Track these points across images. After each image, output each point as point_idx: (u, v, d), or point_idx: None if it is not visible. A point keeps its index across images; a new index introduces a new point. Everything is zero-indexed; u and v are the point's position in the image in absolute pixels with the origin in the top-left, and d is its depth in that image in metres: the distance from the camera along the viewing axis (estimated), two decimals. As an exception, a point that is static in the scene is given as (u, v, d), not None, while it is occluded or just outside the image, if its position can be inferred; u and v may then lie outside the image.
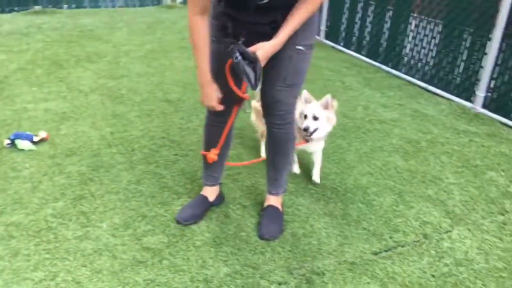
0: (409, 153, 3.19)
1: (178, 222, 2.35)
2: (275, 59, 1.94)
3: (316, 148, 2.71)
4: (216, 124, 2.26)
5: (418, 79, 4.50)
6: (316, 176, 2.75)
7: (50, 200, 2.50)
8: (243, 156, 3.01)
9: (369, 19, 5.09)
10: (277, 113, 2.16)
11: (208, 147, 2.33)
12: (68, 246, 2.18)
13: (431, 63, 4.39)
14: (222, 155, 2.36)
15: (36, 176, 2.70)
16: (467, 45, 4.00)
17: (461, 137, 3.46)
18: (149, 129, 3.32)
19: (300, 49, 2.00)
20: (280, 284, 2.03)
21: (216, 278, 2.04)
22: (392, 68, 4.81)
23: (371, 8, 5.04)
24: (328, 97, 2.57)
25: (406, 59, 4.70)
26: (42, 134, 3.09)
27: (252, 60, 1.84)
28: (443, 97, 4.21)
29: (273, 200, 2.41)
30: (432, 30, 4.34)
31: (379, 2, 4.92)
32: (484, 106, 3.89)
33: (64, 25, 5.98)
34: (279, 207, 2.42)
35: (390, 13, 4.79)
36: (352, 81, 4.54)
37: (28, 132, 3.08)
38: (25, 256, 2.11)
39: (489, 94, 3.86)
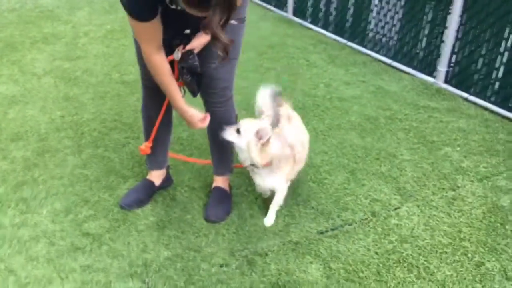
0: (366, 130, 3.15)
1: (122, 207, 2.30)
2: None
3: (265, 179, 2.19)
4: (155, 108, 2.19)
5: (383, 55, 4.44)
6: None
7: (-10, 187, 2.41)
8: (195, 144, 2.94)
9: (334, -6, 4.99)
10: (215, 92, 2.10)
11: (147, 133, 2.27)
12: (4, 233, 2.12)
13: (395, 38, 4.34)
14: (163, 141, 2.30)
15: (-23, 163, 2.60)
16: (429, 19, 3.94)
17: (420, 112, 3.44)
18: (102, 112, 3.22)
19: (232, 23, 1.92)
20: (221, 266, 2.01)
21: (156, 262, 2.00)
22: (358, 44, 4.73)
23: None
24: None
25: (370, 35, 4.63)
26: (-13, 118, 2.98)
27: (197, 73, 1.84)
28: (407, 73, 4.17)
29: (220, 181, 2.36)
30: (395, 4, 4.27)
31: (344, -24, 4.81)
32: (446, 81, 3.86)
33: (23, 6, 5.76)
34: (227, 188, 2.37)
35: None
36: (317, 58, 4.47)
37: (-28, 117, 2.96)
38: (-42, 246, 2.04)
39: (451, 69, 3.82)
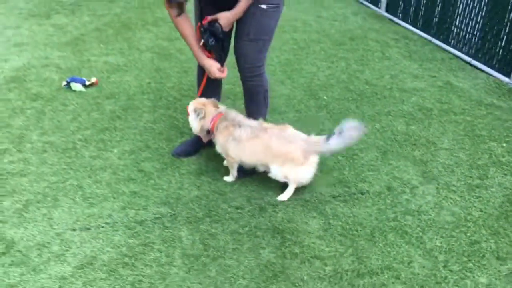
0: (415, 119, 3.25)
1: (172, 155, 2.78)
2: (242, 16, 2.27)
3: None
4: (204, 73, 2.63)
5: (464, 52, 4.38)
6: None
7: (82, 129, 3.07)
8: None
9: (425, -9, 4.99)
10: (245, 66, 2.46)
11: (201, 95, 2.73)
12: (82, 161, 2.73)
13: (477, 36, 4.25)
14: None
15: (78, 111, 3.30)
16: (511, 17, 3.82)
17: (481, 109, 3.41)
18: (181, 83, 3.77)
19: (262, 8, 2.29)
20: (237, 208, 2.37)
21: (186, 197, 2.44)
22: (442, 41, 4.70)
23: (428, -21, 4.93)
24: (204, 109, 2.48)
25: (455, 31, 4.57)
26: (93, 79, 3.71)
27: (221, 38, 2.23)
28: (484, 71, 4.08)
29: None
30: (480, 1, 4.19)
31: (435, -27, 4.80)
32: (522, 81, 3.73)
33: (146, -6, 6.68)
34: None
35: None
36: (394, 52, 4.56)
37: (82, 77, 3.70)
38: (49, 165, 2.69)
39: (528, 69, 3.68)
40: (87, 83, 3.66)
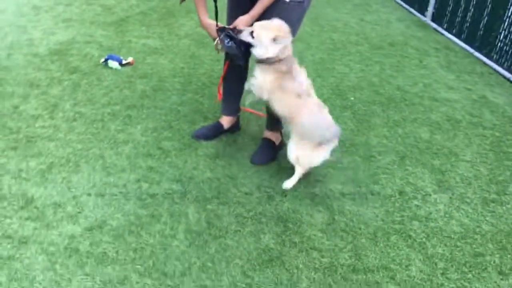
0: (441, 129, 3.20)
1: (192, 137, 2.86)
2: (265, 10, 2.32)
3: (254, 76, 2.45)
4: (232, 63, 2.70)
5: (506, 69, 4.24)
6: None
7: (112, 104, 3.21)
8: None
9: (472, 2, 4.87)
10: None
11: (225, 85, 2.81)
12: (107, 133, 2.86)
13: (521, 53, 4.12)
14: (235, 91, 2.80)
15: (111, 87, 3.45)
16: (557, 35, 3.68)
17: (512, 126, 3.31)
18: (213, 70, 3.86)
19: (285, 1, 2.32)
20: (246, 194, 2.43)
21: (199, 178, 2.52)
22: (484, 55, 4.57)
23: (477, -10, 4.80)
24: (284, 38, 2.32)
25: (499, 45, 4.44)
26: (130, 59, 3.85)
27: (237, 42, 2.35)
28: (523, 89, 3.95)
29: (269, 134, 2.77)
30: (527, 17, 4.05)
31: (484, -16, 4.68)
32: (561, 102, 3.58)
33: (194, -16, 6.83)
34: (275, 140, 2.76)
35: (493, -4, 4.54)
36: (432, 61, 4.47)
37: (120, 56, 3.85)
38: (77, 133, 2.84)
39: None
40: (124, 62, 3.80)
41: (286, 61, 2.34)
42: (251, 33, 2.33)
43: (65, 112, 3.06)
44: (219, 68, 3.88)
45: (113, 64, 3.75)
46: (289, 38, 2.32)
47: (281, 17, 2.37)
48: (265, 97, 2.41)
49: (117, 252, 2.01)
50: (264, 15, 2.41)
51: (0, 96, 3.19)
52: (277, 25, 2.31)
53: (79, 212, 2.21)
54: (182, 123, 3.02)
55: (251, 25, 2.38)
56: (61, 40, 4.26)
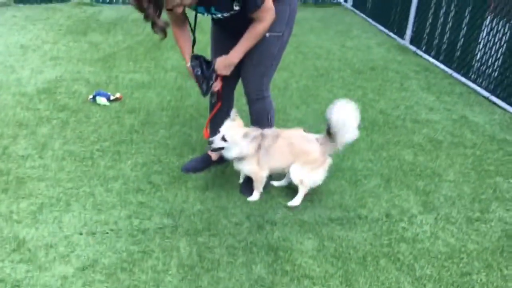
0: (424, 150, 3.29)
1: (182, 170, 2.91)
2: None
3: (243, 167, 2.64)
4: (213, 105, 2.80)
5: (484, 88, 4.39)
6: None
7: (101, 140, 3.26)
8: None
9: (448, 25, 5.05)
10: (248, 90, 2.59)
11: (212, 118, 2.89)
12: (97, 171, 2.90)
13: (497, 72, 4.27)
14: (221, 125, 2.86)
15: (99, 123, 3.50)
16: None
17: (492, 144, 3.41)
18: (200, 102, 3.93)
19: (265, 36, 2.42)
20: (236, 224, 2.47)
21: (190, 211, 2.56)
22: (462, 75, 4.73)
23: (452, 13, 5.00)
24: (252, 132, 2.53)
25: (476, 66, 4.59)
26: (117, 94, 3.92)
27: (207, 76, 2.51)
28: (502, 108, 4.08)
29: (257, 164, 2.82)
30: (500, 39, 4.22)
31: (458, 7, 4.87)
32: (538, 119, 3.71)
33: (178, 17, 6.98)
34: (262, 170, 2.82)
35: (468, 18, 4.72)
36: (413, 84, 4.61)
37: (107, 92, 3.92)
38: (67, 172, 2.87)
39: (545, 107, 3.67)
40: (112, 97, 3.87)
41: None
42: (223, 137, 2.52)
43: (55, 151, 3.10)
44: (205, 100, 3.95)
45: (101, 100, 3.81)
46: (255, 130, 2.55)
47: (261, 51, 2.46)
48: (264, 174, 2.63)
49: (110, 290, 2.02)
50: (247, 53, 2.49)
51: (-10, 138, 3.23)
52: (240, 123, 2.57)
53: (71, 252, 2.23)
54: (171, 156, 3.07)
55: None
56: (49, 78, 4.32)
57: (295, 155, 2.55)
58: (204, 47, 4.97)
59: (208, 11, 2.39)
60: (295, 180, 2.60)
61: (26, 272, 2.10)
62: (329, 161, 2.61)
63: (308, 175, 2.57)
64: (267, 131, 2.61)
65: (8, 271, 2.11)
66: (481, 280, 2.12)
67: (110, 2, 7.63)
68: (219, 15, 2.39)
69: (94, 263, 2.16)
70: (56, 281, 2.06)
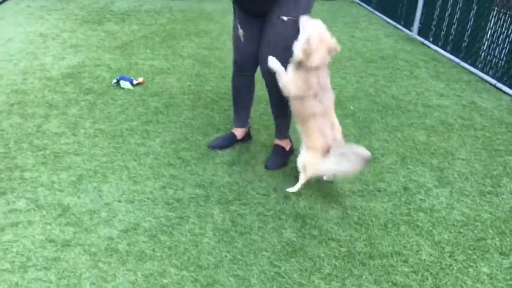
0: (436, 132, 3.45)
1: (208, 147, 3.07)
2: (265, 25, 2.58)
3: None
4: (240, 79, 2.93)
5: (491, 76, 4.55)
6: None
7: (129, 120, 3.42)
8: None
9: (456, 16, 5.21)
10: (266, 74, 2.71)
11: (235, 99, 3.02)
12: (128, 147, 3.06)
13: (504, 60, 4.43)
14: (244, 104, 3.03)
15: (125, 105, 3.66)
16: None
17: (501, 127, 3.58)
18: (219, 86, 4.10)
19: (283, 19, 2.57)
20: (264, 195, 2.63)
21: (219, 182, 2.72)
22: (470, 65, 4.89)
23: (459, 5, 5.15)
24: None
25: (483, 55, 4.76)
26: (140, 79, 4.08)
27: None
28: (508, 94, 4.24)
29: (279, 141, 2.99)
30: (507, 28, 4.38)
31: (466, 0, 5.03)
32: (544, 104, 3.87)
33: (189, 8, 7.13)
34: (285, 146, 2.98)
35: (475, 10, 4.88)
36: (422, 72, 4.77)
37: (130, 77, 4.08)
38: (100, 148, 3.03)
39: (550, 92, 3.83)
40: (135, 82, 4.02)
41: (315, 75, 2.48)
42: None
43: (86, 130, 3.26)
44: (224, 84, 4.13)
45: (125, 84, 3.97)
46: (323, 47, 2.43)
47: (281, 36, 2.59)
48: (292, 93, 2.54)
49: (153, 250, 2.19)
50: (265, 34, 2.64)
51: (23, 117, 3.38)
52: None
53: (114, 217, 2.40)
54: (197, 135, 3.23)
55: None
56: (72, 64, 4.47)
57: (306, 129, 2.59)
58: (217, 36, 5.13)
59: None
60: (299, 163, 2.63)
61: (74, 233, 2.27)
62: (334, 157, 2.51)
63: (312, 161, 2.55)
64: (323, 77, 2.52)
65: (57, 232, 2.27)
66: (495, 244, 2.29)
67: (122, -6, 7.76)
68: None
69: (136, 226, 2.33)
70: (102, 241, 2.22)
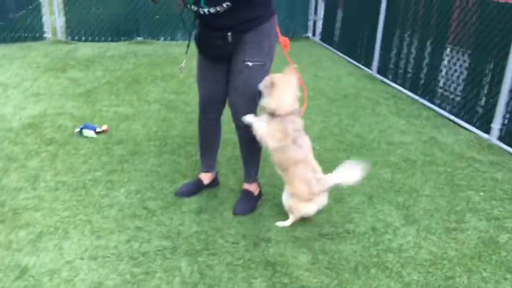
0: (400, 169, 3.52)
1: (176, 195, 3.02)
2: (231, 71, 2.61)
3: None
4: (205, 122, 2.94)
5: (448, 111, 4.72)
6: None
7: (92, 170, 3.34)
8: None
9: (412, 55, 5.44)
10: (236, 119, 2.75)
11: (202, 142, 3.01)
12: (91, 199, 2.97)
13: (459, 96, 4.62)
14: (210, 148, 3.02)
15: (88, 154, 3.58)
16: (488, 79, 4.20)
17: (461, 162, 3.69)
18: (185, 131, 4.08)
19: (248, 65, 2.62)
20: (233, 243, 2.59)
21: (186, 232, 2.66)
22: (428, 101, 5.07)
23: (414, 44, 5.39)
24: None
25: (439, 92, 4.95)
26: (104, 126, 4.02)
27: None
28: (466, 129, 4.39)
29: (247, 186, 2.97)
30: (461, 65, 4.59)
31: (420, 39, 5.27)
32: (500, 138, 4.03)
33: (155, 53, 7.17)
34: (253, 191, 2.97)
35: (430, 48, 5.11)
36: (384, 109, 4.91)
37: (94, 125, 4.02)
38: (61, 202, 2.93)
39: (505, 126, 4.00)
40: (98, 130, 3.96)
41: (289, 122, 2.58)
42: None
43: (47, 182, 3.16)
44: (191, 129, 4.12)
45: (88, 133, 3.90)
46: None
47: (248, 81, 2.64)
48: (270, 146, 2.62)
49: (118, 310, 2.09)
50: (233, 79, 2.68)
51: (-20, 172, 3.25)
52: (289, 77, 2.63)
53: (75, 276, 2.29)
54: (163, 183, 3.18)
55: None
56: (33, 114, 4.38)
57: (290, 177, 2.68)
58: (183, 80, 5.12)
59: (197, 3, 2.48)
60: (285, 206, 2.74)
61: (33, 297, 2.15)
62: (322, 199, 2.68)
63: (298, 204, 2.67)
64: (303, 140, 2.63)
65: (14, 297, 2.15)
66: (463, 282, 2.31)
67: (86, 40, 7.76)
68: (206, 10, 2.49)
69: (99, 285, 2.23)
70: (63, 304, 2.11)
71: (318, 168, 2.68)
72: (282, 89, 2.55)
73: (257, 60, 2.63)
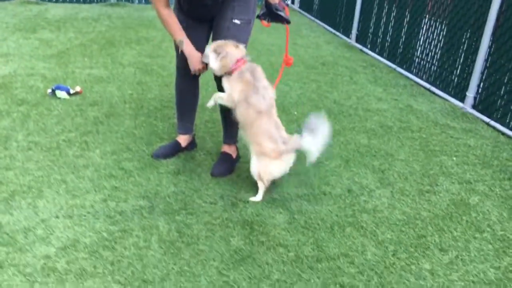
0: (376, 135, 3.56)
1: (152, 156, 2.99)
2: (217, 29, 2.56)
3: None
4: (184, 84, 2.89)
5: (425, 80, 4.78)
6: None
7: (66, 131, 3.26)
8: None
9: (391, 24, 5.44)
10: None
11: (180, 103, 2.97)
12: (65, 159, 2.91)
13: (436, 65, 4.67)
14: (189, 110, 2.98)
15: (62, 116, 3.49)
16: (464, 48, 4.25)
17: (436, 129, 3.75)
18: (162, 95, 4.01)
19: (235, 22, 2.58)
20: (211, 203, 2.59)
21: (164, 192, 2.64)
22: (405, 70, 5.11)
23: (393, 14, 5.39)
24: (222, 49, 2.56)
25: (416, 61, 4.99)
26: (77, 88, 3.91)
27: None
28: (441, 97, 4.47)
29: (227, 148, 2.96)
30: (438, 34, 4.62)
31: (399, 8, 5.26)
32: (473, 106, 4.11)
33: (129, 16, 6.97)
34: (231, 153, 2.96)
35: (408, 18, 5.12)
36: (361, 77, 4.93)
37: (67, 86, 3.90)
38: (34, 161, 2.86)
39: (478, 95, 4.08)
40: (72, 91, 3.85)
41: (246, 70, 2.54)
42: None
43: (19, 143, 3.07)
44: (168, 92, 4.05)
45: (61, 94, 3.79)
46: (227, 49, 2.54)
47: (234, 37, 2.60)
48: (232, 106, 2.59)
49: (94, 266, 2.08)
50: (217, 37, 2.64)
51: None
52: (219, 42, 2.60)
53: (50, 234, 2.26)
54: (139, 145, 3.14)
55: None
56: (2, 74, 4.22)
57: (255, 136, 2.59)
58: (158, 43, 5.00)
59: None
60: (253, 173, 2.61)
61: (7, 254, 2.11)
62: (289, 158, 2.61)
63: (266, 167, 2.57)
64: (263, 92, 2.56)
65: (-13, 254, 2.10)
66: (435, 241, 2.38)
67: (57, 1, 7.46)
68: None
69: (75, 243, 2.21)
70: (38, 260, 2.09)
71: (282, 127, 2.62)
72: (223, 48, 2.54)
73: (244, 17, 2.60)
